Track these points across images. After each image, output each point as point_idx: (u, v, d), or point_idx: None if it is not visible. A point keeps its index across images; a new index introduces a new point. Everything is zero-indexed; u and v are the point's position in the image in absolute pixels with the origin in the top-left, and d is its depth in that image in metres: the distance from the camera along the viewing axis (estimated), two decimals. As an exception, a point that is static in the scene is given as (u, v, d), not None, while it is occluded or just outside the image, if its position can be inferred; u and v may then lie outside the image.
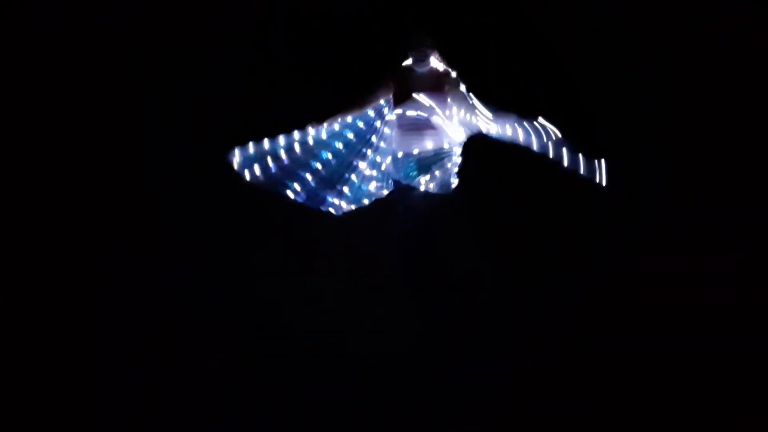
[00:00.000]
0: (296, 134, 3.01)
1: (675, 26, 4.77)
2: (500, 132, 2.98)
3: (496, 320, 3.01)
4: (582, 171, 2.94)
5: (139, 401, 2.58)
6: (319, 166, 3.09)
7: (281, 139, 3.00)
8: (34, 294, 3.13)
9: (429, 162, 3.14)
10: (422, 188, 3.13)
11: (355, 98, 3.10)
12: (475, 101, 3.03)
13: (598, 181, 2.93)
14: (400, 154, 3.18)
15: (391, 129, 3.23)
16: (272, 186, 3.01)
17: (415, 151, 3.13)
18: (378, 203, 3.34)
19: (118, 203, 3.85)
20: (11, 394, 2.60)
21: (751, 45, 4.52)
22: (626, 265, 3.37)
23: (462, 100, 3.06)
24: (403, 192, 3.19)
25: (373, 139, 3.22)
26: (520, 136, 2.95)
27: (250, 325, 2.98)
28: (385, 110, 3.17)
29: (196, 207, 3.87)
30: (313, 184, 3.09)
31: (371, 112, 3.18)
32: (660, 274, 3.30)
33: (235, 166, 2.98)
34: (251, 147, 2.97)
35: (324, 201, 3.13)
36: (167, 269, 3.34)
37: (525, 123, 2.97)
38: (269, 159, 3.00)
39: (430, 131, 3.11)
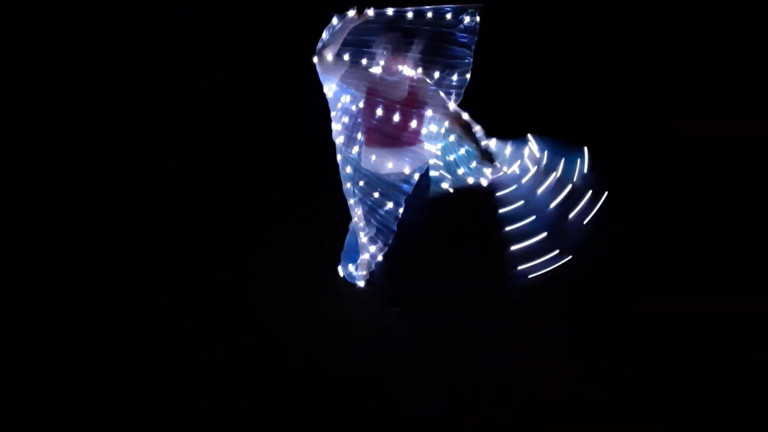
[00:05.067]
0: None
1: (676, 25, 4.76)
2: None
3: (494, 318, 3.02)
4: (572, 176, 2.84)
5: (138, 401, 2.58)
6: None
7: None
8: (33, 294, 3.13)
9: None
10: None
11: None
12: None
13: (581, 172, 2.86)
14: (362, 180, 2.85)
15: (359, 147, 2.87)
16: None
17: (389, 166, 2.79)
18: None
19: (118, 203, 3.86)
20: (11, 395, 2.60)
21: (751, 43, 4.52)
22: (624, 263, 3.38)
23: (440, 106, 2.74)
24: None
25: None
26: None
27: (249, 325, 2.99)
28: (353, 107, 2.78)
29: (196, 207, 3.88)
30: None
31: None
32: (659, 272, 3.30)
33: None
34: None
35: None
36: (167, 269, 3.34)
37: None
38: None
39: (401, 148, 2.79)
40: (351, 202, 2.93)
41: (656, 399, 2.60)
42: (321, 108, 3.18)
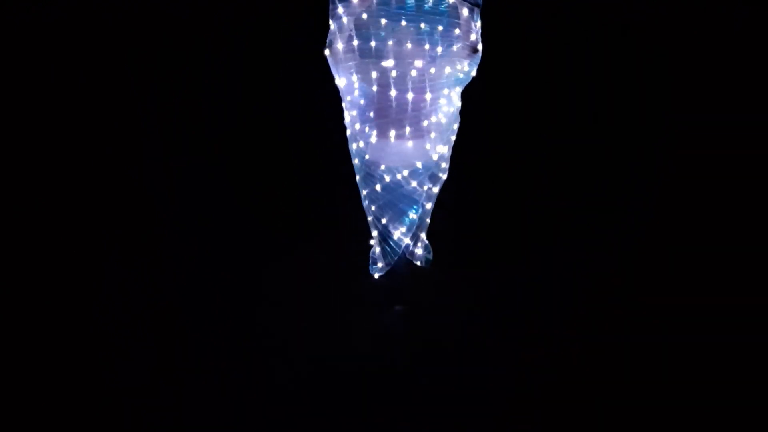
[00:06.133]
0: None
1: (675, 26, 4.76)
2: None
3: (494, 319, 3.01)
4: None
5: (138, 401, 2.58)
6: None
7: None
8: (33, 294, 3.13)
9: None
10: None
11: None
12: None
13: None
14: (382, 167, 2.86)
15: (366, 140, 2.83)
16: None
17: (400, 157, 2.79)
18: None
19: (118, 203, 3.85)
20: (11, 395, 2.59)
21: (751, 44, 4.52)
22: (627, 264, 3.37)
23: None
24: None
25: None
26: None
27: (250, 325, 2.98)
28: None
29: (196, 207, 3.87)
30: None
31: None
32: (659, 274, 3.29)
33: None
34: None
35: None
36: (167, 269, 3.34)
37: None
38: None
39: (412, 140, 2.76)
40: (364, 193, 2.98)
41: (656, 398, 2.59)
42: (321, 107, 3.19)
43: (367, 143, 2.84)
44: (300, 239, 3.61)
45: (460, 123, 2.93)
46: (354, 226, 3.54)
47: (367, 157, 2.87)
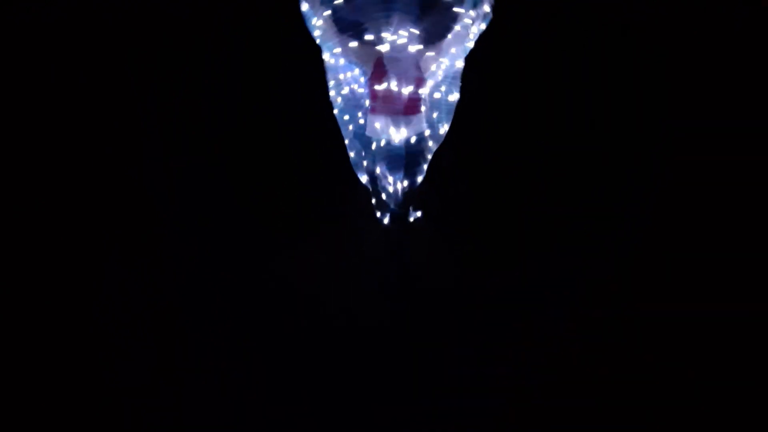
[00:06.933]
0: None
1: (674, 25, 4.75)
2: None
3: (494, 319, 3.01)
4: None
5: (138, 401, 2.58)
6: None
7: None
8: (33, 294, 3.13)
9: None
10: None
11: None
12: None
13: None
14: (383, 143, 3.01)
15: (364, 115, 3.03)
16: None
17: (392, 132, 2.95)
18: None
19: (118, 203, 3.85)
20: (11, 395, 2.59)
21: (751, 44, 4.52)
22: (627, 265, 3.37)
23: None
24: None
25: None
26: None
27: (250, 325, 2.98)
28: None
29: (196, 207, 3.87)
30: None
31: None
32: (659, 276, 3.30)
33: None
34: None
35: None
36: (167, 269, 3.34)
37: None
38: None
39: (404, 116, 2.94)
40: (351, 155, 3.12)
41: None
42: (321, 107, 3.19)
43: (364, 119, 3.01)
44: (300, 239, 3.61)
45: (458, 130, 3.01)
46: (354, 226, 3.55)
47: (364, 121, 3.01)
